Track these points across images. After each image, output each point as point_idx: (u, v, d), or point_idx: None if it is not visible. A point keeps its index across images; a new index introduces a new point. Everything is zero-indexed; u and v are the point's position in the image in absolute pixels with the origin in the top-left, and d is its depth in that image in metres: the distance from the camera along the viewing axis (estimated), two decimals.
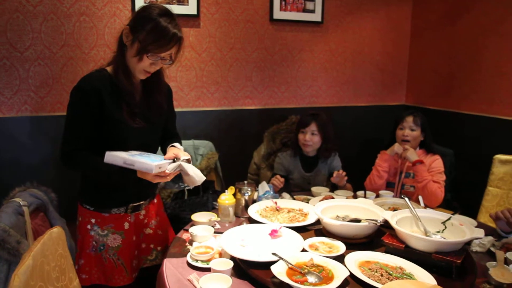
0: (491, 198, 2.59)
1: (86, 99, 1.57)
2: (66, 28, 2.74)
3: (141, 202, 1.81)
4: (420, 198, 2.25)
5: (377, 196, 2.40)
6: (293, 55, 3.42)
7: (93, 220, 1.72)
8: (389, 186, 2.66)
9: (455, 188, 3.03)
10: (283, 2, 3.25)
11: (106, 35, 2.83)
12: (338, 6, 3.48)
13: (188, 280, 1.49)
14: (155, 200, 1.94)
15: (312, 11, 3.35)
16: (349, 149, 3.43)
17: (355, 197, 2.37)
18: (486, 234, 1.83)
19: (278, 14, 3.26)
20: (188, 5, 2.97)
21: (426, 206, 2.22)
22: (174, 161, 1.61)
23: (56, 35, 2.72)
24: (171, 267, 1.59)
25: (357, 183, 2.65)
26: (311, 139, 2.63)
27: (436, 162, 2.51)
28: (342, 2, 3.48)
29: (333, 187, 2.58)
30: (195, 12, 3.00)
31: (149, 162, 1.48)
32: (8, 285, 1.08)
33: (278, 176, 2.54)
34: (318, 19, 3.39)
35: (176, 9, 2.84)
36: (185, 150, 1.79)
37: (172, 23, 1.56)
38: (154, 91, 1.76)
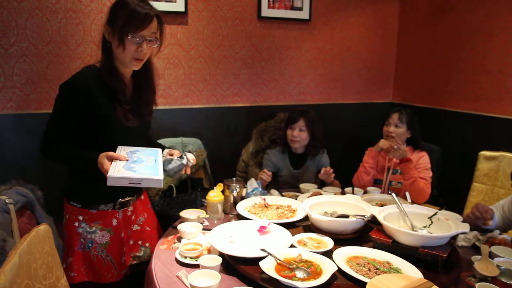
0: (477, 193, 2.63)
1: (75, 97, 1.59)
2: (52, 24, 2.70)
3: (129, 198, 1.80)
4: (407, 194, 2.27)
5: (365, 192, 2.42)
6: (281, 53, 3.42)
7: (80, 217, 1.71)
8: (377, 182, 2.68)
9: (441, 184, 3.07)
10: (271, 0, 3.25)
11: (93, 32, 2.80)
12: (326, 4, 3.49)
13: (177, 276, 1.49)
14: (142, 197, 1.94)
15: (300, 9, 3.36)
16: (337, 146, 3.45)
17: (343, 193, 2.39)
18: (471, 229, 1.86)
19: (266, 11, 3.26)
20: (175, 2, 2.95)
21: (413, 202, 2.24)
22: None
23: (41, 32, 2.68)
24: (159, 264, 1.59)
25: (345, 180, 2.67)
26: (299, 135, 2.64)
27: (423, 159, 2.54)
28: (330, 0, 3.50)
29: (322, 184, 2.59)
30: (182, 9, 2.98)
31: (154, 177, 1.47)
32: None
33: (265, 170, 2.55)
34: (306, 16, 3.40)
35: (163, 6, 2.88)
36: (173, 148, 1.86)
37: (141, 4, 1.59)
38: (144, 88, 1.78)
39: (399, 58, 3.87)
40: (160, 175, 1.49)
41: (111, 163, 1.50)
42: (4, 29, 2.59)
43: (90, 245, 1.71)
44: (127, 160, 1.53)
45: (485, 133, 3.02)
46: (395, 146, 2.46)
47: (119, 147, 1.63)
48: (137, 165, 1.53)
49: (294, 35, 3.43)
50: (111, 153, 1.53)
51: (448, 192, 3.07)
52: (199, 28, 3.10)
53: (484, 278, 1.49)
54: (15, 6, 2.59)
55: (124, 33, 1.57)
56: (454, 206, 2.45)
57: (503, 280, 1.44)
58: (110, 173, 1.42)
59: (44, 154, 1.65)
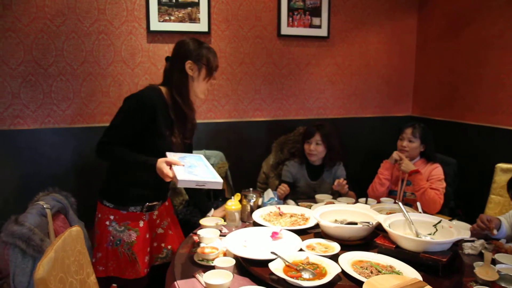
0: (494, 206, 2.65)
1: (141, 109, 1.80)
2: (86, 45, 2.94)
3: (155, 203, 1.99)
4: (418, 204, 2.33)
5: (378, 203, 2.49)
6: (301, 69, 3.55)
7: (111, 217, 1.91)
8: (392, 194, 2.75)
9: (459, 196, 3.10)
10: (290, 19, 3.40)
11: (123, 52, 3.01)
12: (344, 21, 3.60)
13: (194, 276, 1.63)
14: (167, 203, 2.12)
15: (319, 27, 3.49)
16: (355, 159, 3.52)
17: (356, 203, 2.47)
18: (478, 238, 1.92)
19: (285, 30, 3.40)
20: (199, 23, 3.14)
21: (424, 212, 2.30)
22: None
23: (77, 53, 2.92)
24: (179, 265, 1.73)
25: (362, 192, 2.75)
26: (315, 148, 2.75)
27: (436, 170, 2.60)
28: (347, 18, 3.61)
29: (338, 195, 2.68)
30: (206, 29, 3.17)
31: (216, 180, 1.66)
32: (33, 276, 1.23)
33: (283, 184, 2.67)
34: (324, 34, 3.51)
35: (188, 26, 3.08)
36: None
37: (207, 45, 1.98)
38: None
39: (418, 73, 3.92)
40: (220, 179, 1.67)
41: (170, 168, 1.69)
42: (44, 51, 2.84)
43: (118, 242, 1.90)
44: (183, 166, 1.71)
45: (502, 145, 3.03)
46: (398, 158, 2.60)
47: (168, 153, 1.83)
48: (194, 169, 1.72)
49: (313, 52, 3.56)
50: (169, 159, 1.72)
51: (465, 204, 3.09)
52: (221, 47, 3.28)
53: (485, 283, 1.55)
54: (54, 30, 2.84)
55: (214, 69, 1.95)
56: (472, 218, 2.48)
57: (502, 285, 1.50)
58: (180, 177, 1.61)
59: (99, 153, 1.84)
